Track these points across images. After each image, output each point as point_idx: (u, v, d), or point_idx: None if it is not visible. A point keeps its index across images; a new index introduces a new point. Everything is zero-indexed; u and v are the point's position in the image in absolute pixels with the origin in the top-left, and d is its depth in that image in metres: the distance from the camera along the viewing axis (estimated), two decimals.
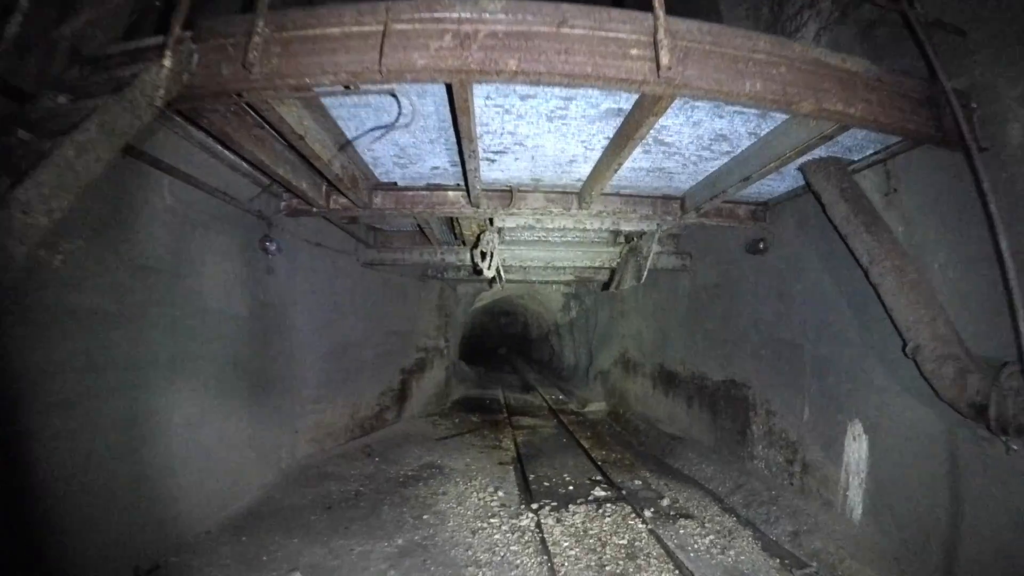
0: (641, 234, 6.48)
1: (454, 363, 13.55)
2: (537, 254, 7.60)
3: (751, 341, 6.35)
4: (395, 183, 5.09)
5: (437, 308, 11.30)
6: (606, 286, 8.55)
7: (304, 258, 6.13)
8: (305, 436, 6.59)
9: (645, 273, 5.95)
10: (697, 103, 3.52)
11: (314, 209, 5.16)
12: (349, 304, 7.40)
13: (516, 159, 4.47)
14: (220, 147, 4.24)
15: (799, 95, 2.99)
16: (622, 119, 3.64)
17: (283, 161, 4.13)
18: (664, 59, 2.54)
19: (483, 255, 5.51)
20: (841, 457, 4.89)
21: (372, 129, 3.15)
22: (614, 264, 7.55)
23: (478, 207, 5.13)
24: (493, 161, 4.50)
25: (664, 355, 8.88)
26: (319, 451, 6.84)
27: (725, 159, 4.56)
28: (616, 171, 4.19)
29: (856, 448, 4.75)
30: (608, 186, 4.82)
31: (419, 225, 6.56)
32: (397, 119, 3.12)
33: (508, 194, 5.18)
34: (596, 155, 4.38)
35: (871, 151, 4.36)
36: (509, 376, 18.91)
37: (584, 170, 4.74)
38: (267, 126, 3.65)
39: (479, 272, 5.78)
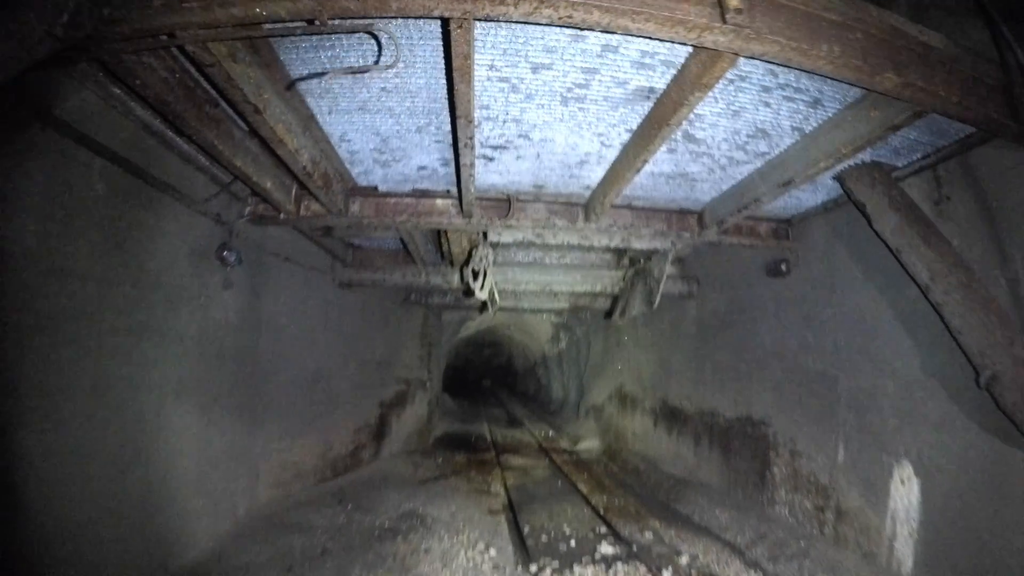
0: (650, 255, 5.88)
1: (438, 396, 12.73)
2: (532, 277, 6.94)
3: (771, 373, 5.74)
4: (375, 187, 4.44)
5: (420, 337, 10.54)
6: (608, 314, 7.90)
7: (270, 274, 5.39)
8: (268, 478, 5.74)
9: (658, 298, 5.33)
10: (744, 83, 2.96)
11: (282, 216, 4.47)
12: (322, 329, 6.64)
13: (518, 157, 3.86)
14: (170, 132, 3.57)
15: (880, 66, 2.44)
16: (652, 104, 3.07)
17: (243, 151, 3.47)
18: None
19: (475, 274, 4.85)
20: (885, 503, 4.25)
21: (345, 70, 2.49)
22: (616, 290, 6.94)
23: (470, 218, 4.50)
24: (491, 160, 3.89)
25: (667, 390, 8.22)
26: (283, 496, 5.98)
27: (758, 163, 4.01)
28: (637, 171, 3.59)
29: (905, 493, 4.11)
30: (621, 196, 4.24)
31: (402, 240, 5.90)
32: (377, 60, 2.47)
33: (505, 203, 4.57)
34: (612, 154, 3.80)
35: (919, 155, 3.87)
36: (494, 410, 18.06)
37: (595, 175, 4.16)
38: (222, 102, 3.01)
39: (470, 294, 5.10)
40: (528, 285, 6.96)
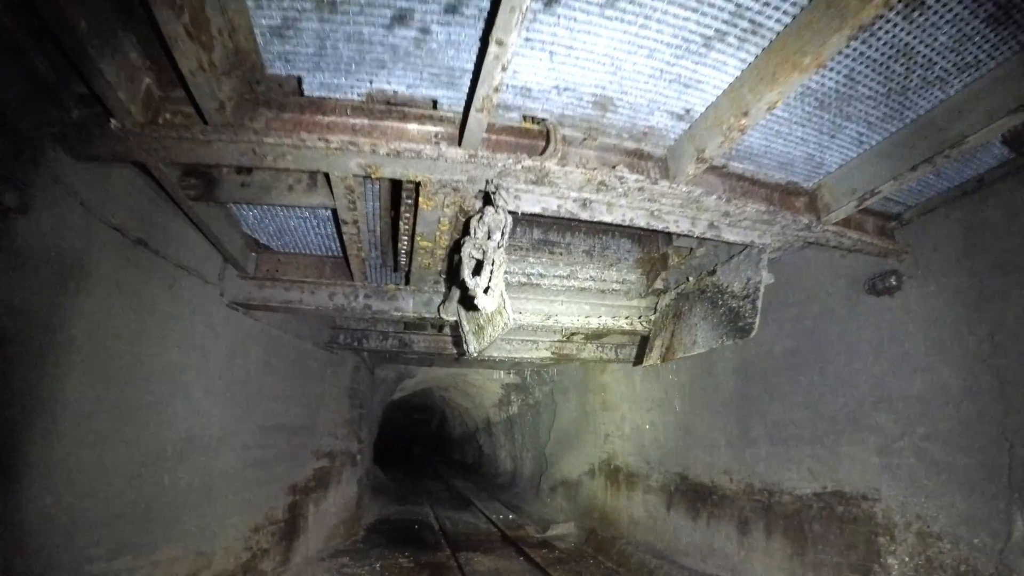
0: (712, 267, 4.04)
1: (368, 471, 10.11)
2: (526, 306, 4.85)
3: (877, 430, 4.05)
4: (299, 82, 2.36)
5: (349, 395, 8.06)
6: (639, 358, 5.86)
7: (102, 260, 3.08)
8: None
9: (756, 320, 3.38)
10: None
11: (113, 123, 2.25)
12: (198, 372, 4.15)
13: (605, 15, 1.96)
14: None
15: None
16: None
17: None
18: None
19: (477, 266, 2.74)
20: None
21: None
22: (644, 324, 4.97)
23: (474, 152, 2.48)
24: (552, 10, 1.96)
25: (687, 460, 6.26)
26: None
27: (957, 84, 2.49)
28: (834, 52, 1.80)
29: None
30: (729, 147, 2.46)
31: (338, 228, 3.74)
32: None
33: (534, 139, 2.62)
34: (777, 23, 2.01)
35: None
36: (433, 483, 15.40)
37: (717, 79, 2.35)
38: None
39: (470, 302, 2.85)
40: (524, 317, 4.86)
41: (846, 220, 3.55)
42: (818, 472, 4.52)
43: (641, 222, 3.05)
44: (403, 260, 4.05)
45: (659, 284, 4.72)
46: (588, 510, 8.69)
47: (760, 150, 2.93)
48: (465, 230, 2.84)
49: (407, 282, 4.69)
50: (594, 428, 8.81)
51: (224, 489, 4.70)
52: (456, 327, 4.81)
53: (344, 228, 3.45)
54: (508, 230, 2.58)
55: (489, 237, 2.57)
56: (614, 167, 2.67)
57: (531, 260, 4.51)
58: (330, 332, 6.60)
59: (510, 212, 2.76)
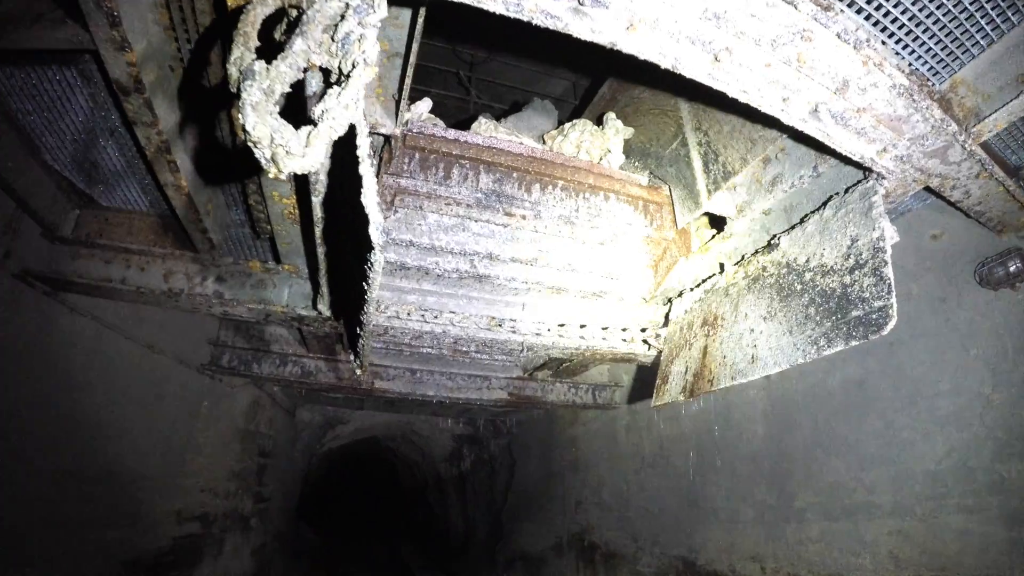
0: (767, 243, 2.60)
1: (279, 536, 8.04)
2: (467, 308, 3.25)
3: (1003, 487, 2.63)
4: None
5: (241, 439, 6.08)
6: (639, 394, 4.29)
7: None
8: None
9: (892, 301, 1.79)
10: None
11: None
12: None
13: None
14: None
15: None
16: None
17: None
18: None
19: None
20: None
21: None
22: (647, 344, 3.41)
23: None
24: None
25: (693, 540, 4.60)
26: None
27: None
28: None
29: None
30: None
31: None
32: None
33: None
34: None
35: None
36: (374, 547, 13.36)
37: None
38: None
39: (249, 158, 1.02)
40: (459, 321, 3.24)
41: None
42: (907, 556, 3.02)
43: (694, 69, 1.53)
44: (259, 207, 2.49)
45: (673, 282, 3.23)
46: None
47: None
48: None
49: (276, 258, 3.08)
50: (562, 492, 7.05)
51: None
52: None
53: (127, 106, 1.85)
54: None
55: None
56: None
57: (476, 227, 2.98)
58: (211, 351, 4.85)
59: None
